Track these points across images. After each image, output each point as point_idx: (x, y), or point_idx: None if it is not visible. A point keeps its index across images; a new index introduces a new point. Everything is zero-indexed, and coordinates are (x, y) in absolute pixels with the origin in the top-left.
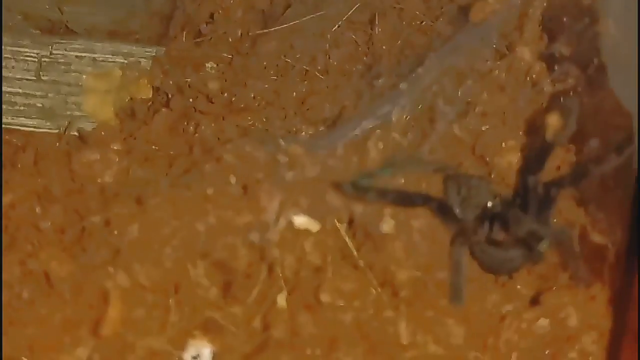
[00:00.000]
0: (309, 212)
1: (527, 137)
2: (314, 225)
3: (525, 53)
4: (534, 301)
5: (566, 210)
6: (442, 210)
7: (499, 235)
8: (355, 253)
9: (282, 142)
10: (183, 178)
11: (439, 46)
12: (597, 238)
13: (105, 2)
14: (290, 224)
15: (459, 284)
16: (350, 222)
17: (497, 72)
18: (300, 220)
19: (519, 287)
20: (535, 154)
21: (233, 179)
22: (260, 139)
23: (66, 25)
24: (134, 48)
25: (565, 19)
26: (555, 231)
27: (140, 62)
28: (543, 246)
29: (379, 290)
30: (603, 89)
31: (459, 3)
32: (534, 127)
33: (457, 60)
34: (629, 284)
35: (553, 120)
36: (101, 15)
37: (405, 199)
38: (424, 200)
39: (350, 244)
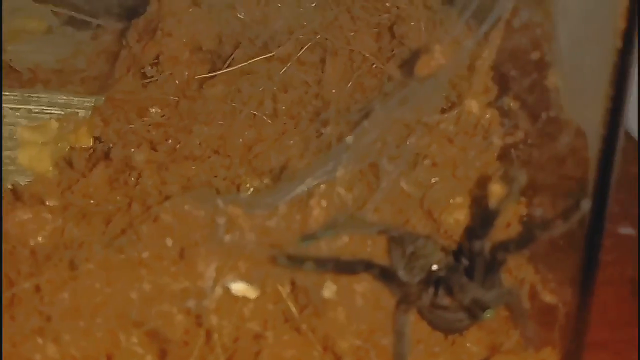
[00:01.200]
0: (248, 277)
1: (472, 201)
2: (252, 291)
3: (473, 105)
4: None
5: (516, 269)
6: (385, 275)
7: (444, 300)
8: (297, 316)
9: (220, 203)
10: (118, 240)
11: (388, 90)
12: (547, 298)
13: (51, 41)
14: (228, 290)
15: (402, 352)
16: (292, 286)
17: (444, 124)
18: (238, 287)
19: (468, 344)
20: (480, 220)
21: (170, 242)
22: (200, 196)
23: (9, 65)
24: (72, 99)
25: (512, 73)
26: (502, 292)
27: (77, 113)
28: (487, 315)
29: (322, 356)
30: (554, 141)
31: (409, 46)
32: (477, 193)
33: (404, 113)
34: (579, 347)
35: (496, 189)
36: (46, 54)
37: (345, 267)
38: (365, 266)
39: (292, 307)
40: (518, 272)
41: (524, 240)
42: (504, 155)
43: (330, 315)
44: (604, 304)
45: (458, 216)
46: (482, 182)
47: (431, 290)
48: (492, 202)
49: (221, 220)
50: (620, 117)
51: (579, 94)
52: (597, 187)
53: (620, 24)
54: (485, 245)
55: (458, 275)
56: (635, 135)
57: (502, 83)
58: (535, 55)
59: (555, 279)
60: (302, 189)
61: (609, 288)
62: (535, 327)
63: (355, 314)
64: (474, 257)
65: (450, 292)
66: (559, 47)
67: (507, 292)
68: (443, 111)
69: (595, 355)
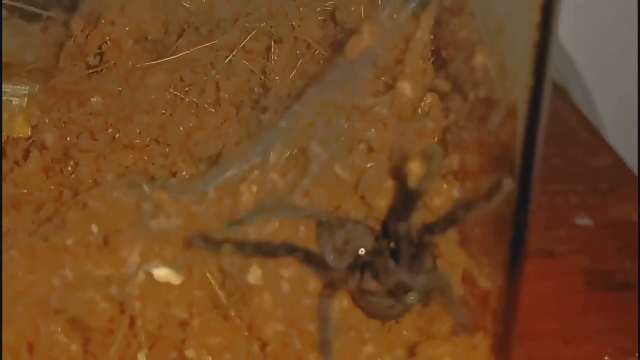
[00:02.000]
0: (174, 263)
1: (395, 182)
2: (176, 277)
3: (406, 88)
4: (412, 352)
5: (450, 254)
6: (311, 259)
7: (371, 285)
8: (225, 302)
9: (146, 188)
10: (44, 227)
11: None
12: (481, 282)
13: None
14: (152, 275)
15: (327, 338)
16: (220, 272)
17: (378, 108)
18: (161, 272)
19: (405, 332)
20: (402, 200)
21: (95, 228)
22: (131, 183)
23: None
24: (6, 87)
25: (443, 53)
26: (431, 276)
27: (11, 101)
28: (410, 298)
29: (248, 342)
30: (484, 123)
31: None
32: (399, 174)
33: (335, 97)
34: (510, 331)
35: (415, 168)
36: None
37: (267, 250)
38: (287, 250)
39: (220, 293)
40: (452, 257)
41: (447, 221)
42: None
43: (256, 301)
44: (558, 294)
45: (390, 200)
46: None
47: (357, 274)
48: (412, 182)
49: (147, 206)
50: (541, 98)
51: (508, 72)
52: (521, 168)
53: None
54: (409, 226)
55: (384, 258)
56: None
57: (439, 65)
58: (462, 34)
59: (489, 263)
60: (232, 173)
61: (563, 278)
62: (467, 313)
63: (281, 300)
64: (399, 240)
65: (376, 276)
66: (484, 24)
67: (437, 276)
68: (377, 94)
69: (548, 345)
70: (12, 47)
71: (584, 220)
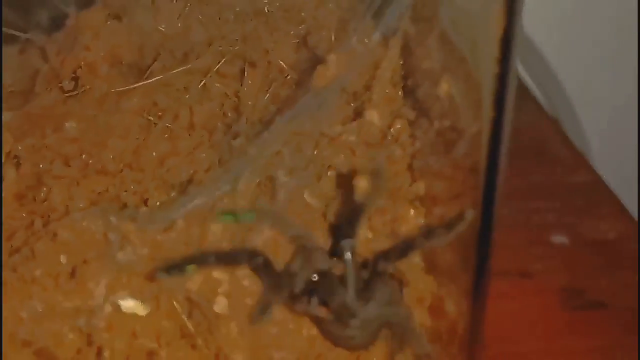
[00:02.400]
0: (140, 293)
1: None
2: (143, 308)
3: (374, 116)
4: None
5: (415, 281)
6: (268, 270)
7: (318, 310)
8: (193, 331)
9: (113, 219)
10: (12, 258)
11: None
12: (448, 309)
13: None
14: (119, 307)
15: None
16: (187, 301)
17: (346, 135)
18: (128, 304)
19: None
20: (347, 217)
21: (64, 259)
22: (101, 212)
23: None
24: None
25: (409, 82)
26: (390, 310)
27: None
28: (355, 323)
29: None
30: (449, 153)
31: (319, 54)
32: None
33: (303, 125)
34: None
35: (361, 184)
36: None
37: (229, 259)
38: (249, 256)
39: (188, 323)
40: (418, 284)
41: (404, 248)
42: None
43: (223, 330)
44: (535, 314)
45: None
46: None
47: (305, 299)
48: (358, 196)
49: (114, 237)
50: (502, 124)
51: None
52: (485, 195)
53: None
54: (353, 245)
55: (330, 280)
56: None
57: (406, 92)
58: (427, 64)
59: (456, 291)
60: (201, 201)
61: (539, 298)
62: (427, 343)
63: (248, 329)
64: (343, 258)
65: (323, 301)
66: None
67: (395, 309)
68: (345, 121)
69: None
70: None
71: (560, 238)
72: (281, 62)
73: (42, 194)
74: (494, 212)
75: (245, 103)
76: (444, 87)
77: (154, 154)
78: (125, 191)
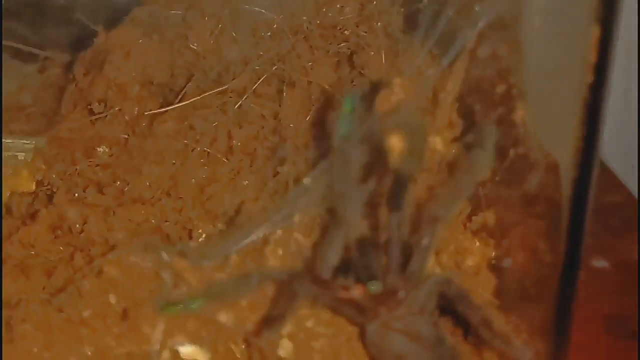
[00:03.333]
0: (198, 337)
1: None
2: (203, 354)
3: (437, 142)
4: None
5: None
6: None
7: (357, 291)
8: None
9: (164, 255)
10: (58, 297)
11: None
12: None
13: None
14: (177, 353)
15: None
16: (246, 346)
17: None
18: (188, 350)
19: None
20: (391, 189)
21: (113, 298)
22: (147, 246)
23: None
24: (10, 141)
25: (478, 107)
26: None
27: (17, 156)
28: (372, 288)
29: None
30: (524, 179)
31: (370, 77)
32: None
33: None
34: None
35: (395, 143)
36: None
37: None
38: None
39: None
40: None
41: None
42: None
43: None
44: (578, 344)
45: None
46: None
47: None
48: (394, 160)
49: (167, 275)
50: (594, 153)
51: (551, 128)
52: (570, 228)
53: (592, 57)
54: (402, 219)
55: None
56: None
57: (468, 117)
58: (501, 88)
59: (528, 328)
60: (256, 236)
61: (583, 326)
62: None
63: None
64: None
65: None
66: (528, 79)
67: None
68: None
69: None
70: (8, 90)
71: (600, 263)
72: (323, 84)
73: (77, 224)
74: (581, 250)
75: (286, 125)
76: (518, 114)
77: (192, 180)
78: (166, 221)
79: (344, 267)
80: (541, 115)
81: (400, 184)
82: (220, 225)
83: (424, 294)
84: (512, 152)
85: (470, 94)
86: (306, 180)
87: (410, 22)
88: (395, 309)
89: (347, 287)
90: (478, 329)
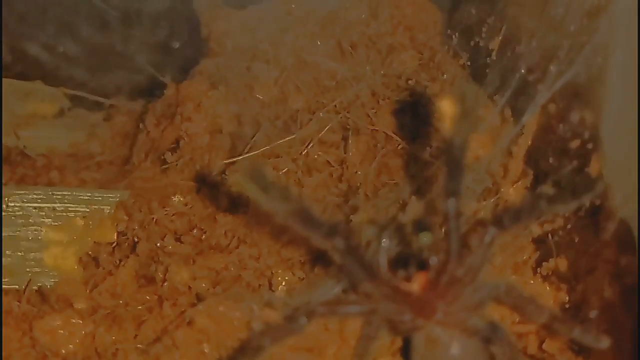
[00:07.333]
0: None
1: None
2: None
3: (511, 193)
4: None
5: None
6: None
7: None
8: None
9: (255, 309)
10: (153, 347)
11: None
12: None
13: (64, 124)
14: None
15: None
16: None
17: (483, 212)
18: None
19: None
20: (449, 171)
21: (207, 348)
22: (234, 295)
23: (24, 152)
24: (96, 195)
25: (551, 160)
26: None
27: (103, 210)
28: (424, 239)
29: None
30: (597, 229)
31: (435, 126)
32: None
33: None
34: None
35: (446, 107)
36: (59, 138)
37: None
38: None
39: None
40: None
41: (521, 211)
42: (539, 240)
43: None
44: None
45: None
46: None
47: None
48: (446, 126)
49: (258, 327)
50: None
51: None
52: None
53: None
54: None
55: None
56: None
57: (538, 168)
58: (575, 143)
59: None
60: (341, 288)
61: None
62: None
63: None
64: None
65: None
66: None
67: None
68: (479, 199)
69: None
70: (77, 138)
71: None
72: (388, 132)
73: (159, 273)
74: None
75: (352, 172)
76: (594, 167)
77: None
78: (245, 269)
79: (403, 260)
80: (616, 167)
81: (458, 168)
82: (299, 274)
83: (480, 294)
84: (586, 202)
85: (542, 147)
86: (385, 242)
87: (477, 76)
88: (453, 303)
89: (409, 277)
90: (552, 325)
